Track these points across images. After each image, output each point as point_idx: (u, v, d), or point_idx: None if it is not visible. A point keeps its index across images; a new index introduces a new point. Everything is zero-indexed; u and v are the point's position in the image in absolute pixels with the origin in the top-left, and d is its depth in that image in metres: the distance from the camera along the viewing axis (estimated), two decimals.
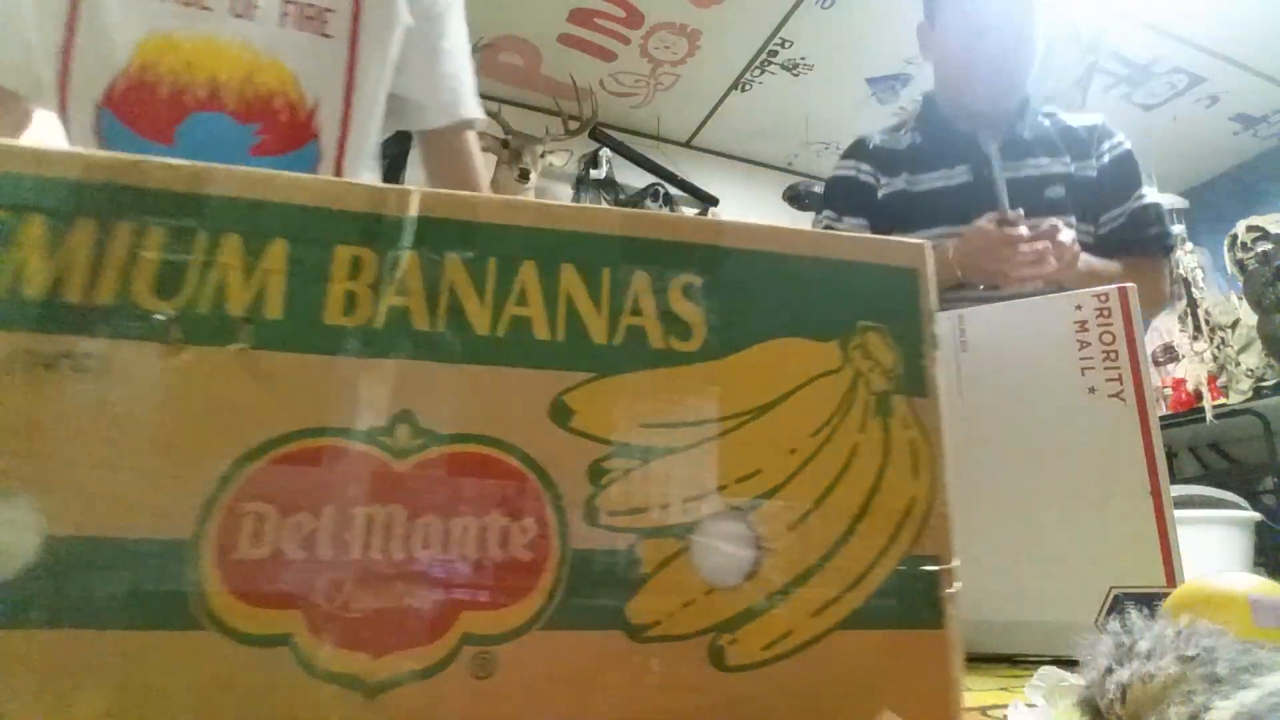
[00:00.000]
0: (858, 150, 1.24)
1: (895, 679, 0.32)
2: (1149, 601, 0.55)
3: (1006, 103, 1.15)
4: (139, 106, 0.64)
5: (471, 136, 0.98)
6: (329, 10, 0.72)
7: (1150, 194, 1.12)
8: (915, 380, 0.35)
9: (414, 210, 0.31)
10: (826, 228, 1.17)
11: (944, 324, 0.75)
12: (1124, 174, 1.12)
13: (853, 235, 0.37)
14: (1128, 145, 1.15)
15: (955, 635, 0.33)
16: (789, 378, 0.33)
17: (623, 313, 0.32)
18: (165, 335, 0.28)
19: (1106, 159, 1.13)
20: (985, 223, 0.99)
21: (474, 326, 0.30)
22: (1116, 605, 0.61)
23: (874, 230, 1.16)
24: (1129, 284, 0.76)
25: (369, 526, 0.28)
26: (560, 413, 0.30)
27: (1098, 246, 1.11)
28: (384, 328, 0.29)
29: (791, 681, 0.30)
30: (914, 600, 0.33)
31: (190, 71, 0.64)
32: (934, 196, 1.13)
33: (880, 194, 1.18)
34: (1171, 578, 0.62)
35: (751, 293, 0.34)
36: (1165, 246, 1.12)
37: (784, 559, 0.31)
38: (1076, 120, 1.18)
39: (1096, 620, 0.61)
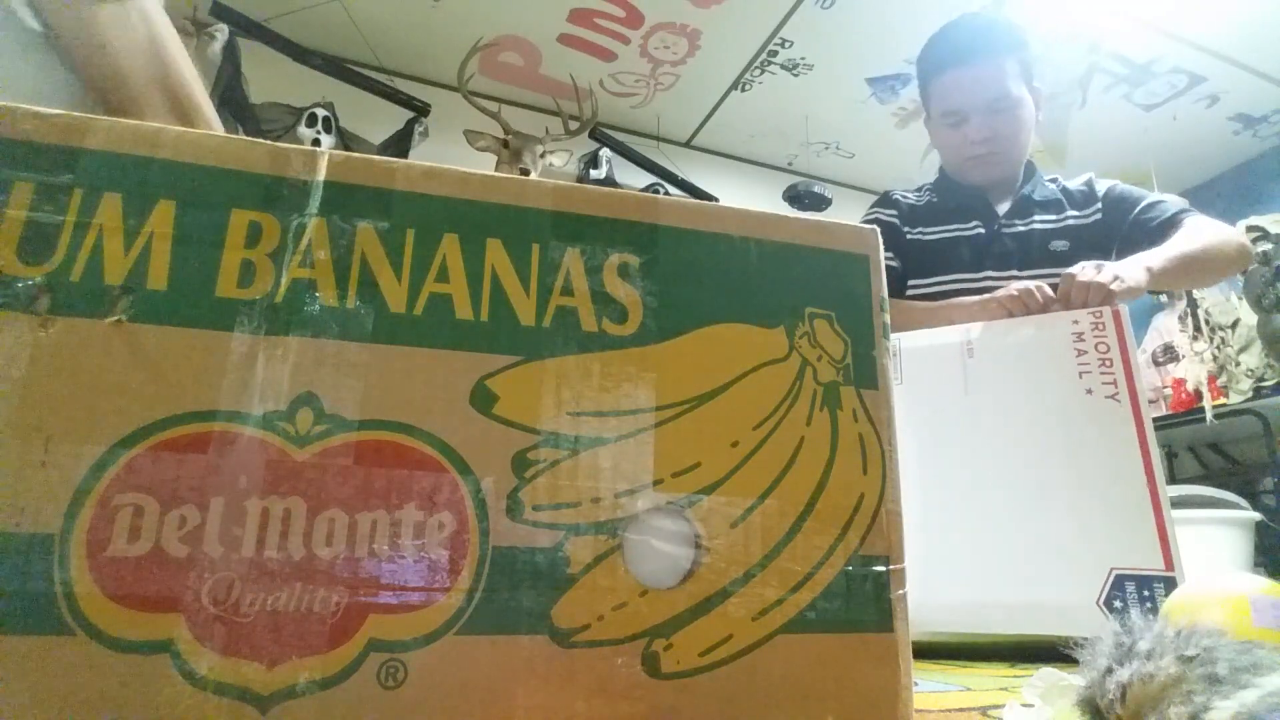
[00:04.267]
0: (884, 201, 1.37)
1: (842, 686, 0.32)
2: (1148, 583, 0.70)
3: (1005, 178, 1.28)
4: None
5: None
6: None
7: (1157, 196, 1.24)
8: (865, 371, 0.36)
9: (322, 174, 0.30)
10: None
11: (952, 332, 0.91)
12: (1124, 198, 1.25)
13: (801, 217, 0.37)
14: (1116, 181, 1.29)
15: (905, 639, 0.33)
16: (731, 366, 0.34)
17: (553, 292, 0.32)
18: (32, 305, 0.26)
19: (1105, 197, 1.26)
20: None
21: (388, 303, 0.30)
22: (1117, 585, 0.70)
23: (904, 270, 1.29)
24: (1120, 306, 0.88)
25: (264, 521, 0.27)
26: (482, 398, 0.30)
27: (1126, 247, 1.20)
28: (285, 302, 0.28)
29: (731, 689, 0.30)
30: (862, 602, 0.33)
31: None
32: (949, 245, 1.27)
33: (907, 239, 1.31)
34: (1169, 561, 0.70)
35: (692, 274, 0.34)
36: (1181, 217, 1.18)
37: (724, 558, 0.31)
38: (1074, 182, 1.31)
39: (1099, 599, 0.70)
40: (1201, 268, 1.12)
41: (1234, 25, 2.72)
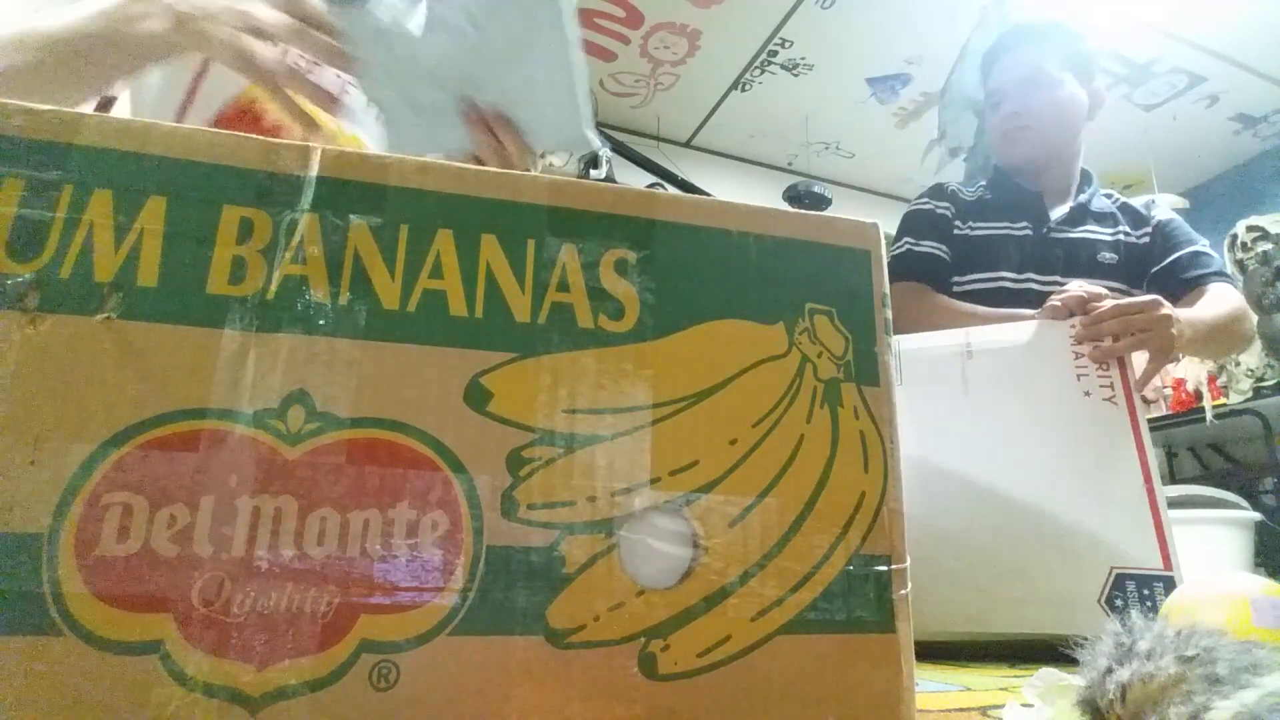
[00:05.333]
0: (936, 192, 1.34)
1: (842, 687, 0.31)
2: (1148, 582, 0.70)
3: (1041, 159, 1.26)
4: (241, 126, 0.70)
5: None
6: None
7: (1204, 245, 1.23)
8: (867, 368, 0.35)
9: (315, 169, 0.29)
10: (905, 253, 1.27)
11: (952, 334, 0.91)
12: (1173, 231, 1.24)
13: (801, 213, 0.37)
14: (1174, 214, 1.28)
15: (907, 640, 0.33)
16: (730, 362, 0.33)
17: (548, 289, 0.31)
18: (21, 302, 0.26)
19: (1156, 228, 1.26)
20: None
21: (381, 300, 0.29)
22: (1118, 584, 0.71)
23: (951, 263, 1.27)
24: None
25: (254, 520, 0.26)
26: (476, 396, 0.29)
27: (1153, 286, 1.20)
28: (277, 298, 0.28)
29: (730, 691, 0.30)
30: (863, 603, 0.32)
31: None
32: (997, 242, 1.25)
33: (955, 233, 1.29)
34: (1168, 561, 0.71)
35: (690, 270, 0.33)
36: (1213, 279, 1.18)
37: (723, 558, 0.31)
38: (1134, 200, 1.31)
39: (1100, 597, 0.71)
40: (1224, 339, 1.12)
41: (1234, 25, 2.71)
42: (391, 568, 0.27)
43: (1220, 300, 1.13)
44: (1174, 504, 0.74)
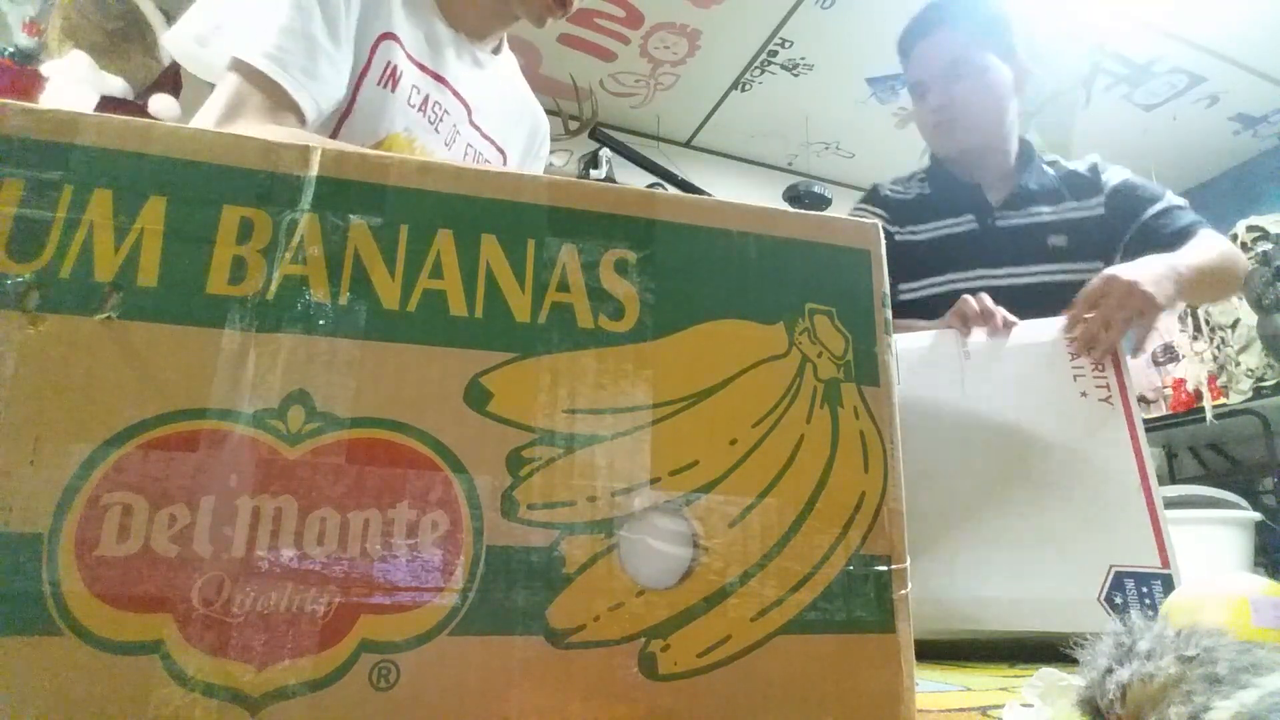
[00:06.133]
0: (871, 197, 1.33)
1: (842, 687, 0.31)
2: (1147, 580, 0.71)
3: (976, 148, 1.20)
4: None
5: None
6: (488, 163, 0.97)
7: (1171, 198, 1.15)
8: (867, 368, 0.35)
9: (315, 169, 0.29)
10: None
11: (949, 336, 0.93)
12: (1131, 195, 1.16)
13: (801, 213, 0.37)
14: (1127, 174, 1.20)
15: (907, 640, 0.33)
16: (730, 362, 0.33)
17: (548, 289, 0.31)
18: (21, 302, 0.26)
19: (1110, 189, 1.18)
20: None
21: (381, 300, 0.29)
22: (1117, 581, 0.72)
23: (891, 276, 1.20)
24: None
25: (254, 520, 0.26)
26: (476, 396, 0.29)
27: (1133, 254, 1.14)
28: (276, 298, 0.28)
29: (730, 691, 0.30)
30: (863, 603, 0.32)
31: None
32: (941, 244, 1.21)
33: (896, 240, 1.25)
34: (1165, 560, 0.72)
35: (690, 270, 0.33)
36: (1195, 228, 1.11)
37: (723, 558, 0.31)
38: (1077, 164, 1.23)
39: (1100, 595, 0.71)
40: (1219, 281, 1.07)
41: (1234, 25, 2.70)
42: (391, 568, 0.27)
43: (1206, 245, 1.07)
44: (1174, 504, 0.75)
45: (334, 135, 0.79)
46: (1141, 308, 0.89)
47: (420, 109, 0.84)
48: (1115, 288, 0.89)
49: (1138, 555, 0.73)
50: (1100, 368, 0.85)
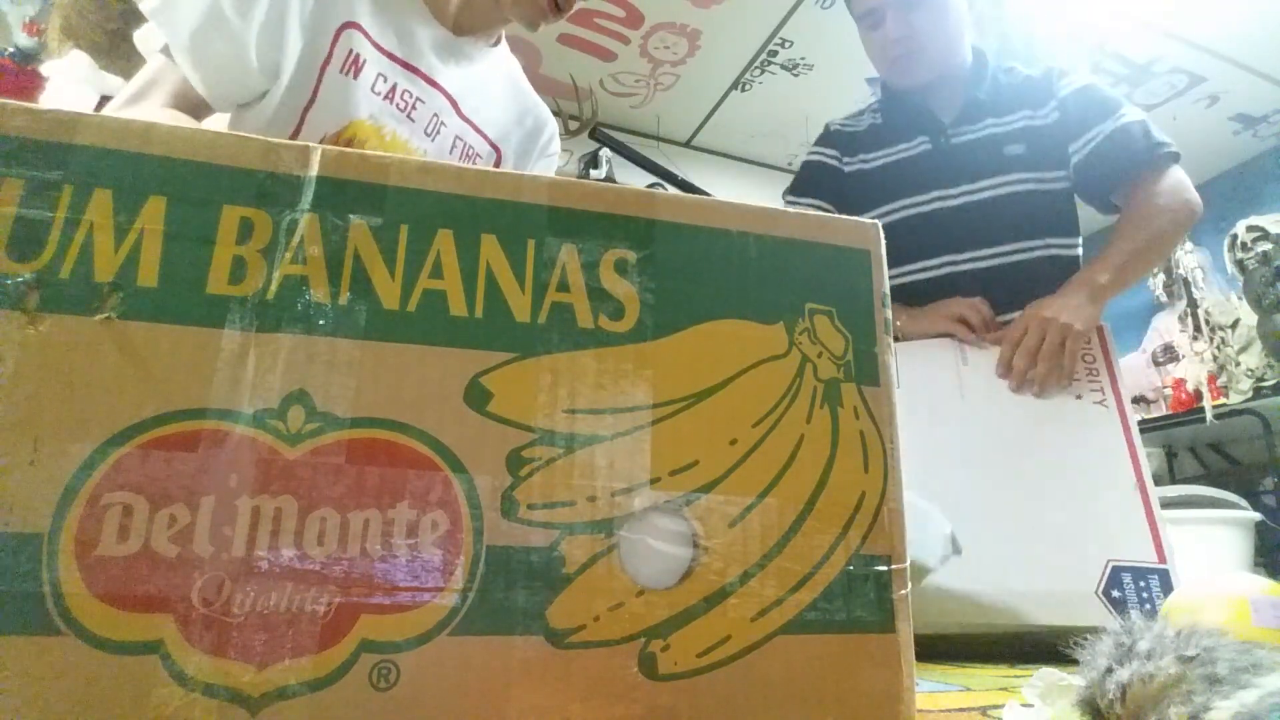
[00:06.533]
0: (822, 137, 1.29)
1: (842, 687, 0.31)
2: (1143, 575, 0.73)
3: (937, 77, 1.15)
4: None
5: None
6: (479, 156, 0.96)
7: (1132, 112, 1.08)
8: (867, 368, 0.35)
9: (315, 169, 0.29)
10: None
11: (947, 344, 0.95)
12: (1088, 102, 1.10)
13: (801, 213, 0.37)
14: (1088, 79, 1.14)
15: (907, 640, 0.33)
16: (730, 362, 0.33)
17: (548, 289, 0.31)
18: (21, 302, 0.26)
19: (1064, 94, 1.11)
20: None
21: (381, 299, 0.29)
22: (1114, 576, 0.74)
23: (840, 211, 1.16)
24: (1104, 324, 0.93)
25: (254, 520, 0.26)
26: (476, 396, 0.29)
27: (1078, 182, 1.10)
28: (276, 298, 0.28)
29: (730, 691, 0.30)
30: (863, 603, 0.32)
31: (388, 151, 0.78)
32: (894, 169, 1.17)
33: (845, 174, 1.22)
34: (1161, 555, 0.75)
35: (690, 270, 0.33)
36: (1160, 157, 1.07)
37: (722, 558, 0.31)
38: (1033, 70, 1.18)
39: (1098, 589, 0.73)
40: (1153, 253, 1.04)
41: (1234, 25, 2.70)
42: (391, 568, 0.27)
43: (1136, 222, 1.03)
44: (1174, 504, 0.76)
45: (299, 125, 0.78)
46: (1062, 338, 0.90)
47: (387, 97, 0.83)
48: (1033, 326, 0.91)
49: (1135, 551, 0.75)
50: (1094, 373, 0.88)
